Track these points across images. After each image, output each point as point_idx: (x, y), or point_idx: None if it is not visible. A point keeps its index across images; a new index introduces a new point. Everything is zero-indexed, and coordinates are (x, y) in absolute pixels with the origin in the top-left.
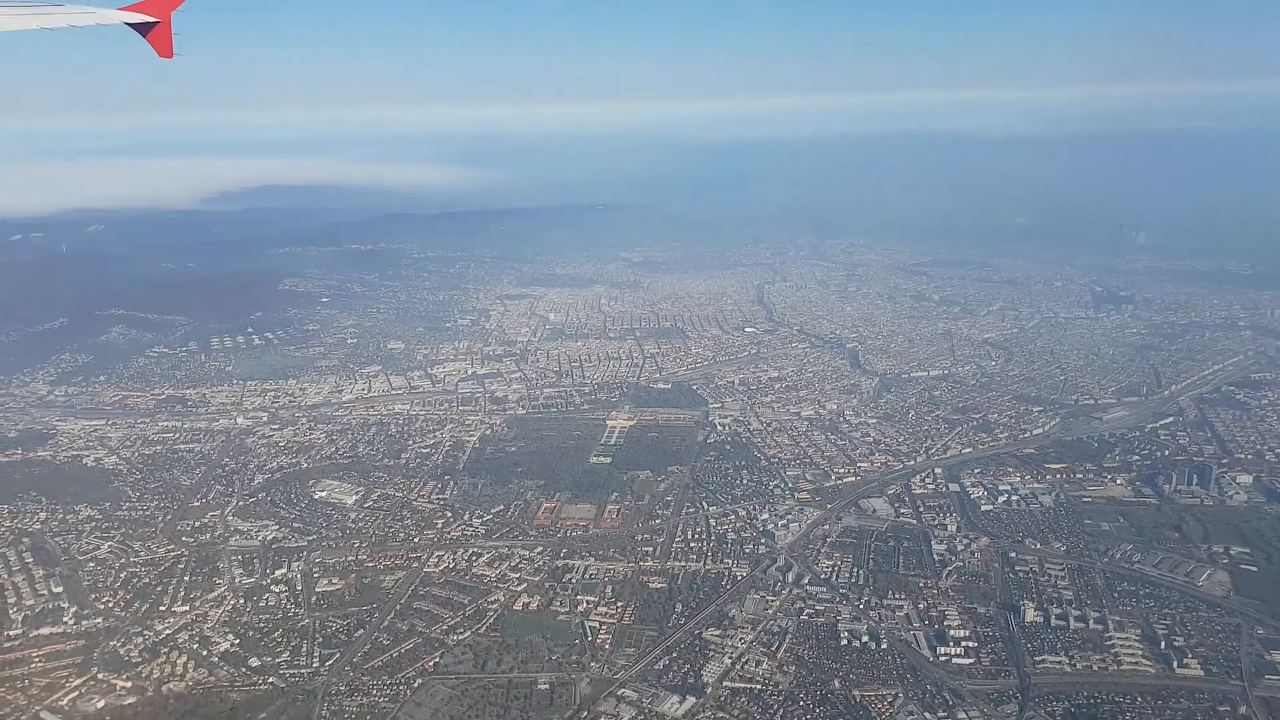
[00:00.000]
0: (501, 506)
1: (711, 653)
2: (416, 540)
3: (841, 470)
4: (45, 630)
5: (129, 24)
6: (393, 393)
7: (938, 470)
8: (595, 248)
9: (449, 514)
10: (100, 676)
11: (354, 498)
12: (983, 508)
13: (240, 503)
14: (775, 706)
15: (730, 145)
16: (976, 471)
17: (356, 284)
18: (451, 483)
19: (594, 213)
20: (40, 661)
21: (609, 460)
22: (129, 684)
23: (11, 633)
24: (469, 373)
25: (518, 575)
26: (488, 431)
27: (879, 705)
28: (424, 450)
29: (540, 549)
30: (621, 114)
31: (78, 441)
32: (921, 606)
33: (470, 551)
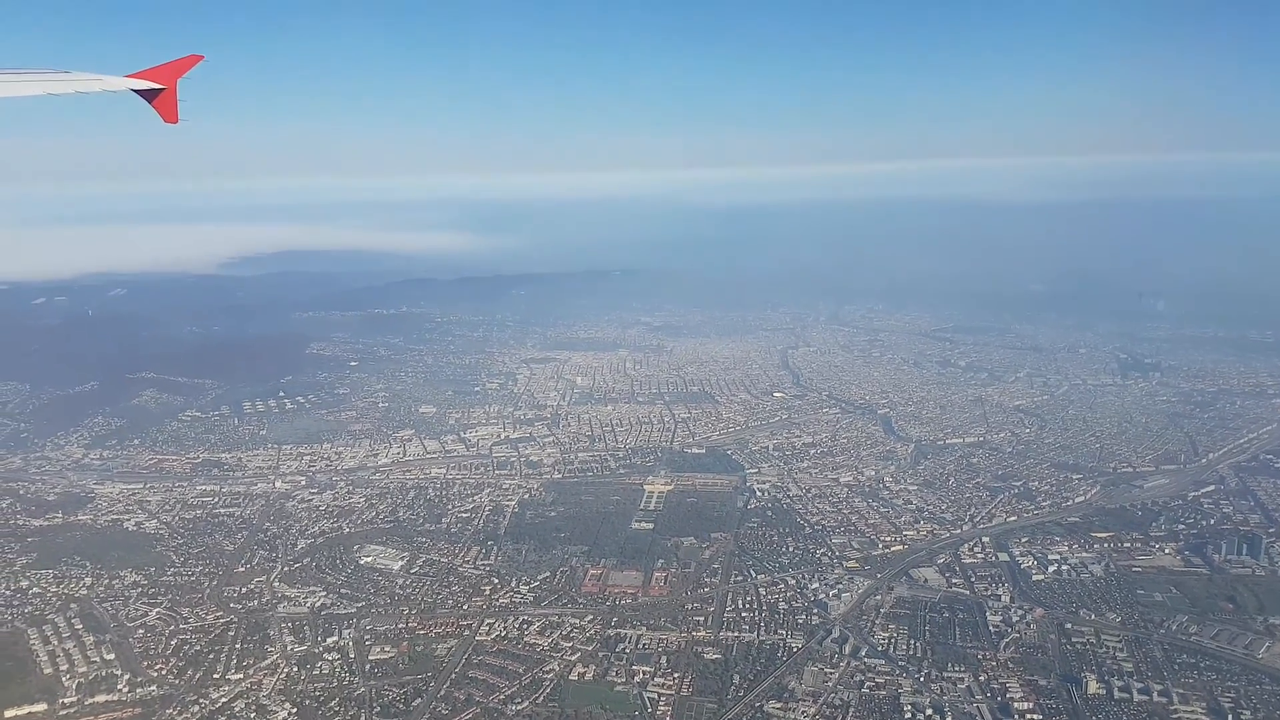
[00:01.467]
0: (548, 573)
1: None
2: (465, 607)
3: (888, 538)
4: (100, 698)
5: (135, 90)
6: (428, 456)
7: (985, 539)
8: (615, 312)
9: (495, 580)
10: None
11: (399, 563)
12: (1034, 577)
13: (285, 568)
14: None
15: (741, 211)
16: (1024, 540)
17: (383, 348)
18: (495, 548)
19: (611, 278)
20: None
21: (651, 526)
22: None
23: (66, 700)
24: (502, 437)
25: (570, 644)
26: (526, 496)
27: None
28: (464, 515)
29: (590, 617)
30: (632, 181)
31: (116, 505)
32: (982, 679)
33: (521, 619)
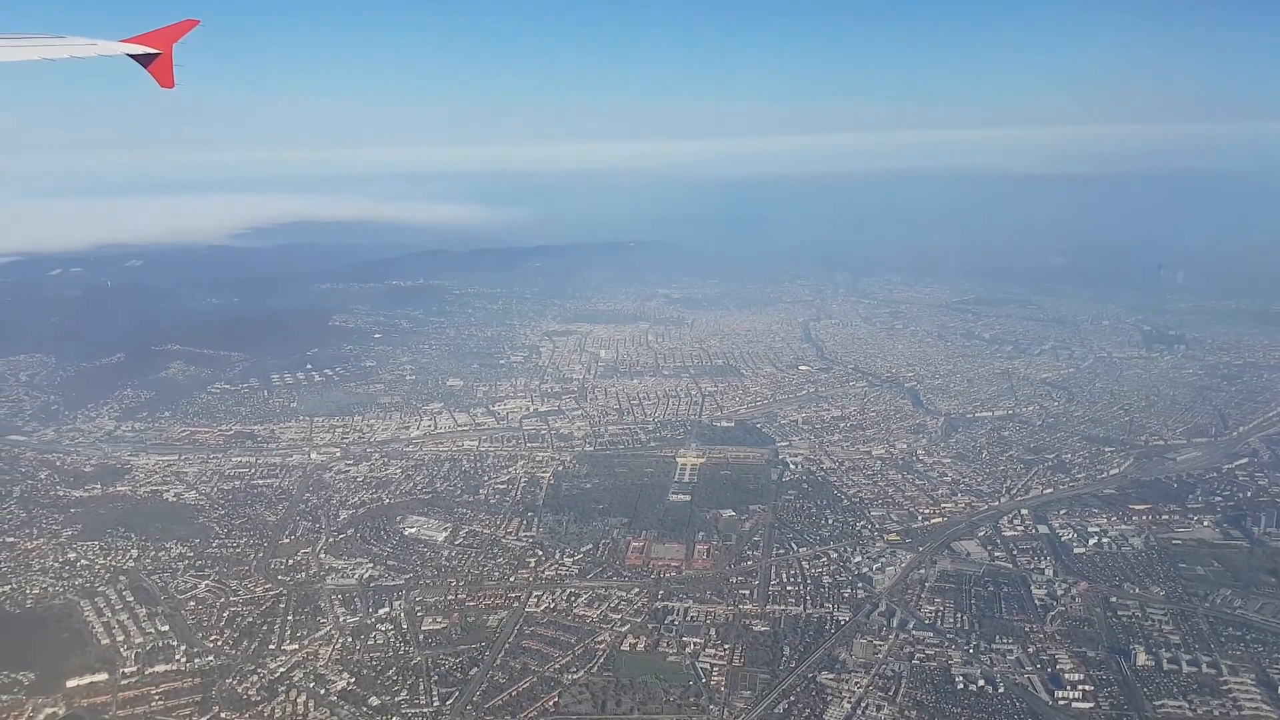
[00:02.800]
0: (590, 545)
1: (829, 697)
2: (512, 579)
3: (927, 511)
4: (159, 668)
5: (131, 55)
6: (459, 429)
7: (1023, 512)
8: (632, 284)
9: (540, 552)
10: (223, 716)
11: (443, 534)
12: (1075, 550)
13: (330, 539)
14: None
15: (751, 182)
16: (1062, 513)
17: (404, 320)
18: (536, 520)
19: (625, 250)
20: (160, 700)
21: (688, 498)
22: None
23: (126, 670)
24: (531, 409)
25: (619, 616)
26: (560, 468)
27: None
28: (500, 486)
29: (637, 589)
30: (637, 153)
31: (154, 477)
32: (1031, 650)
33: (568, 591)
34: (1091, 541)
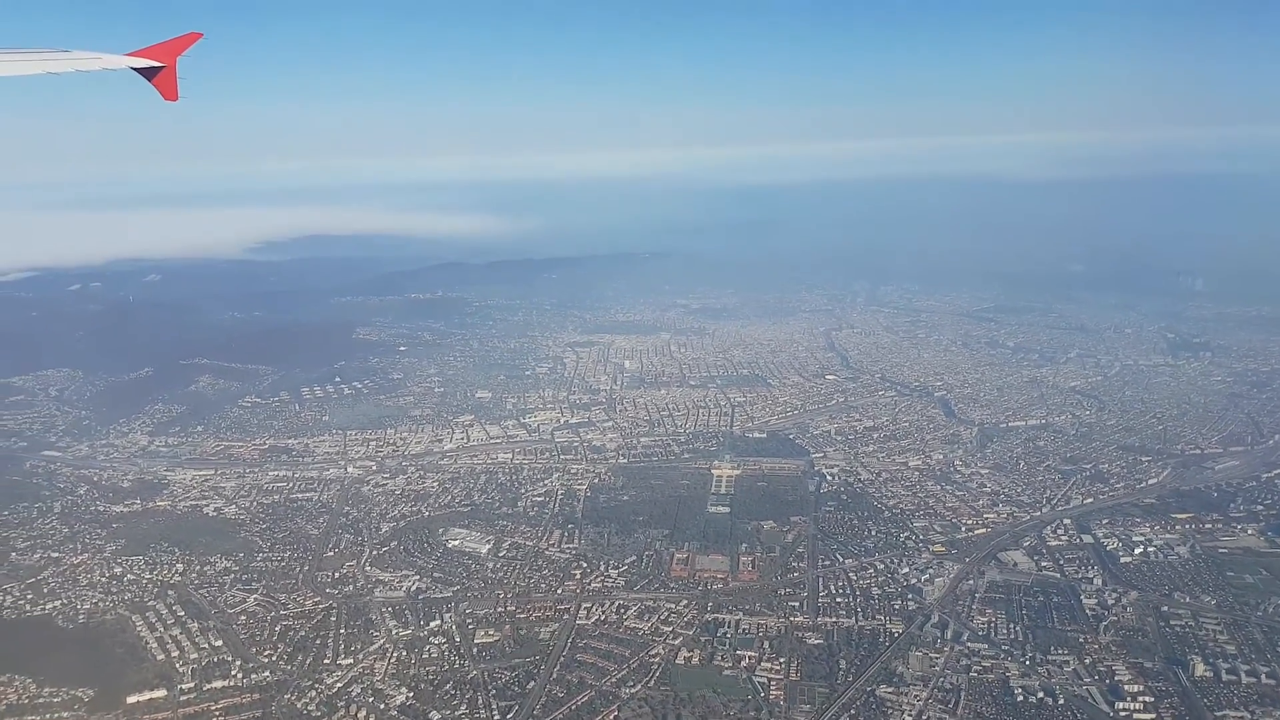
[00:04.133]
0: (634, 557)
1: (890, 710)
2: (559, 591)
3: (970, 522)
4: (217, 684)
5: (135, 69)
6: (491, 441)
7: (1066, 522)
8: (650, 295)
9: (584, 564)
10: None
11: (486, 547)
12: (1122, 560)
13: (374, 552)
14: None
15: (759, 191)
16: (1105, 523)
17: (426, 332)
18: (577, 532)
19: (640, 260)
20: (220, 715)
21: (727, 510)
22: None
23: (184, 686)
24: (562, 421)
25: (670, 628)
26: (596, 480)
27: None
28: (538, 499)
29: (685, 602)
30: (645, 161)
31: (192, 491)
32: (1087, 661)
33: (617, 604)
34: (1137, 551)
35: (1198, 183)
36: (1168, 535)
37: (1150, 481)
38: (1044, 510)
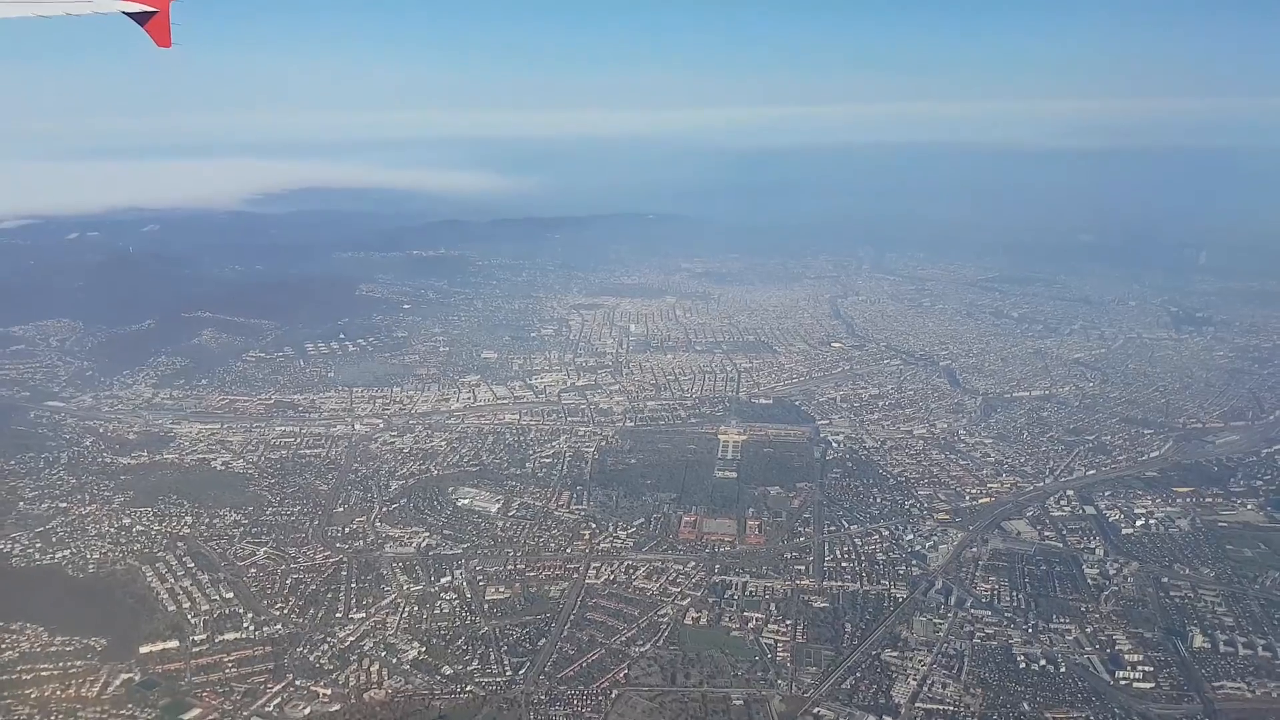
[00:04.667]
0: (642, 519)
1: (895, 674)
2: (568, 551)
3: (974, 491)
4: (229, 636)
5: (127, 13)
6: (498, 402)
7: (1069, 492)
8: (654, 258)
9: (593, 525)
10: (298, 684)
11: (496, 506)
12: (1123, 531)
13: (383, 509)
14: None
15: (765, 154)
16: (1107, 494)
17: (430, 291)
18: (585, 493)
19: (644, 222)
20: (234, 667)
21: (734, 475)
22: (329, 691)
23: (196, 637)
24: (568, 384)
25: (679, 590)
26: (603, 443)
27: None
28: (546, 460)
29: (693, 563)
30: (648, 120)
31: (199, 445)
32: (1089, 630)
33: (625, 564)
34: (1139, 523)
35: (1204, 156)
36: (1169, 508)
37: (1152, 454)
38: (1047, 481)
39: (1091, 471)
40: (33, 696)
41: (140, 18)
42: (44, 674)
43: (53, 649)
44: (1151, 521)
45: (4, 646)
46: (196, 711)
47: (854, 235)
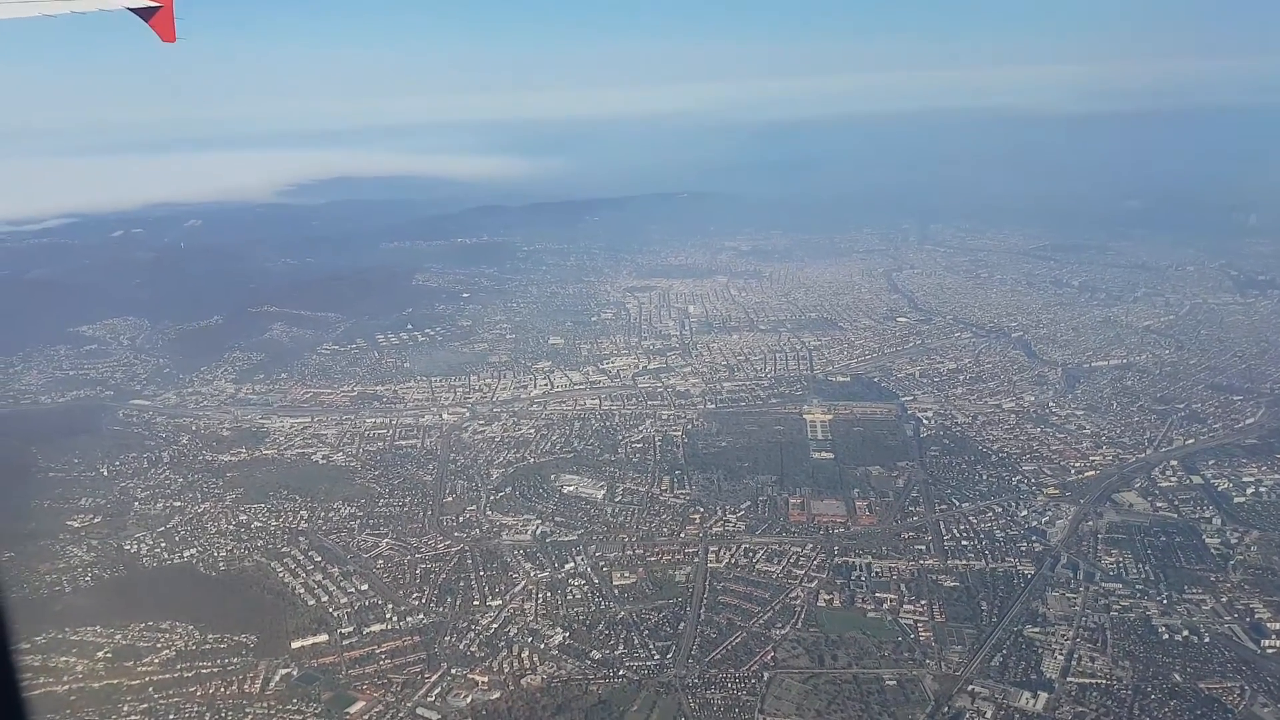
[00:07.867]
0: (749, 502)
1: (1040, 649)
2: (682, 535)
3: (1078, 465)
4: (376, 628)
5: (131, 9)
6: (575, 388)
7: (1172, 463)
8: (697, 237)
9: (701, 509)
10: (454, 672)
11: (601, 492)
12: (1235, 500)
13: (490, 498)
14: (1129, 700)
15: (788, 126)
16: (1212, 463)
17: (483, 278)
18: (685, 478)
19: (680, 201)
20: (387, 658)
21: (831, 455)
22: (485, 679)
23: (344, 630)
24: (640, 367)
25: (803, 572)
26: (689, 426)
27: (1229, 698)
28: (637, 445)
29: (810, 545)
30: (667, 96)
31: (295, 439)
32: (1224, 600)
33: (743, 547)
34: (1249, 491)
35: (1240, 116)
36: (1276, 476)
37: (1248, 421)
38: (1148, 452)
39: (1190, 441)
40: (198, 694)
41: (144, 13)
42: (204, 671)
43: (206, 646)
44: (1262, 489)
45: (160, 645)
46: (360, 704)
47: (893, 207)
